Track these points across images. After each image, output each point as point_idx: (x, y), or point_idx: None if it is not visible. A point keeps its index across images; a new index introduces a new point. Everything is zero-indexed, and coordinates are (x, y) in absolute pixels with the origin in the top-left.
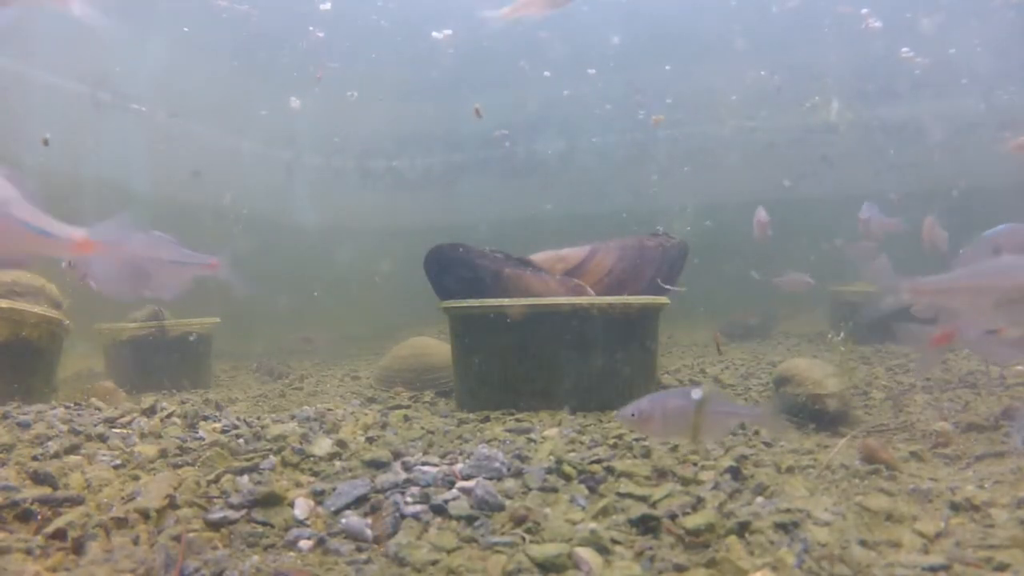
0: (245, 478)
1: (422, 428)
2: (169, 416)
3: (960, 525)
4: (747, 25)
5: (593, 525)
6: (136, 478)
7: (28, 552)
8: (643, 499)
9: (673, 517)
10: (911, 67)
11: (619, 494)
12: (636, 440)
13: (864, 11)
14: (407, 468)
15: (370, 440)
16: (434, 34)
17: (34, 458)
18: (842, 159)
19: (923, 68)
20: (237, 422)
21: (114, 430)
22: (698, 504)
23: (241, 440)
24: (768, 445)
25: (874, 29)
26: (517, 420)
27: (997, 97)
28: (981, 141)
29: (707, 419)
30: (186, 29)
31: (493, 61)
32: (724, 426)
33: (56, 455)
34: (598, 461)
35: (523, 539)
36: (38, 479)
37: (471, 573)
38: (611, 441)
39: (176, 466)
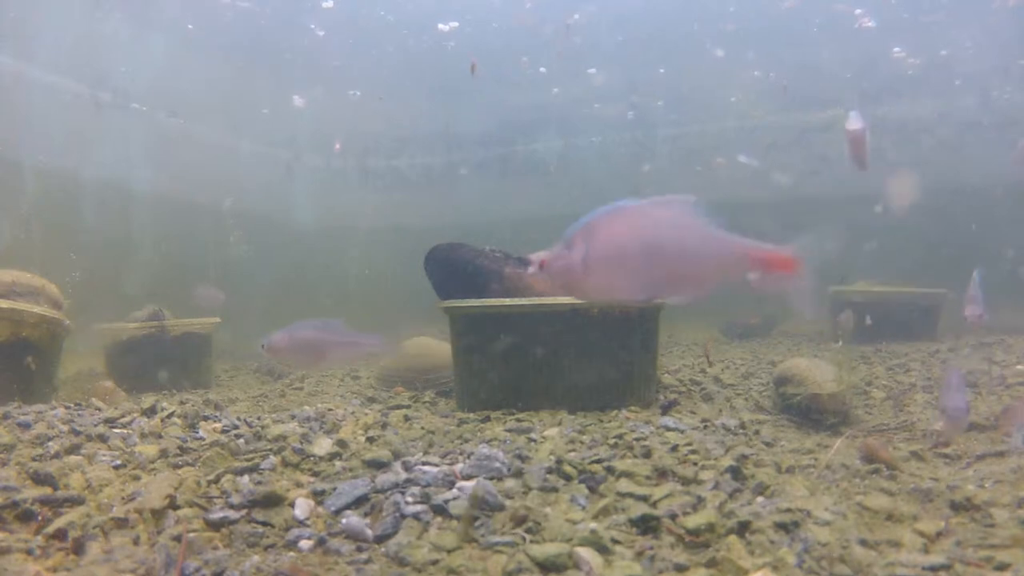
0: (245, 478)
1: (422, 428)
2: (169, 416)
3: (961, 525)
4: (746, 25)
5: (593, 525)
6: (136, 478)
7: (28, 552)
8: (643, 499)
9: (673, 517)
10: (905, 67)
11: (619, 494)
12: (636, 440)
13: (858, 11)
14: (407, 468)
15: (370, 440)
16: (440, 26)
17: (34, 458)
18: (841, 159)
19: (916, 68)
20: (237, 422)
21: (114, 430)
22: (698, 504)
23: (241, 440)
24: (768, 445)
25: (867, 28)
26: (517, 420)
27: (994, 97)
28: (978, 141)
29: (333, 348)
30: (190, 27)
31: (495, 57)
32: (349, 355)
33: (56, 455)
34: (598, 461)
35: (523, 539)
36: (38, 479)
37: (471, 573)
38: (611, 441)
39: (176, 466)
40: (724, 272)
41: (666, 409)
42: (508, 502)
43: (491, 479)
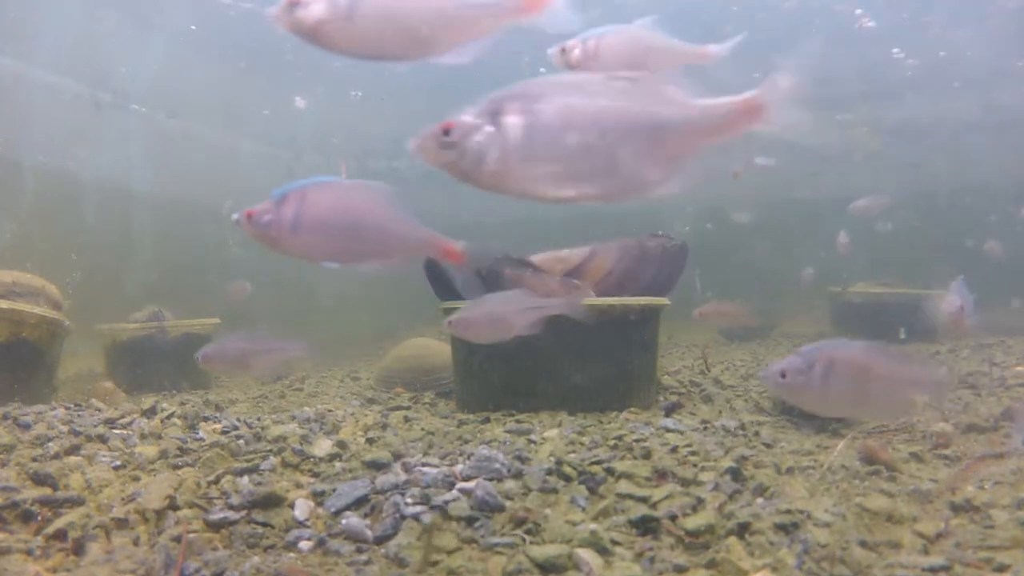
0: (245, 479)
1: (422, 429)
2: (169, 417)
3: (960, 526)
4: (746, 26)
5: (593, 526)
6: (136, 479)
7: (28, 553)
8: (643, 500)
9: (673, 518)
10: (904, 68)
11: (619, 495)
12: (636, 441)
13: (858, 11)
14: (407, 469)
15: (370, 441)
16: None
17: (34, 459)
18: (841, 160)
19: (915, 69)
20: (237, 423)
21: (114, 431)
22: (698, 505)
23: (241, 441)
24: (768, 446)
25: (867, 29)
26: (517, 421)
27: (994, 98)
28: (978, 142)
29: (258, 356)
30: (192, 27)
31: (496, 57)
32: (273, 361)
33: (56, 456)
34: (598, 462)
35: (523, 540)
36: (38, 480)
37: (471, 574)
38: (611, 442)
39: (176, 467)
40: (405, 250)
41: (669, 411)
42: (508, 503)
43: (491, 480)
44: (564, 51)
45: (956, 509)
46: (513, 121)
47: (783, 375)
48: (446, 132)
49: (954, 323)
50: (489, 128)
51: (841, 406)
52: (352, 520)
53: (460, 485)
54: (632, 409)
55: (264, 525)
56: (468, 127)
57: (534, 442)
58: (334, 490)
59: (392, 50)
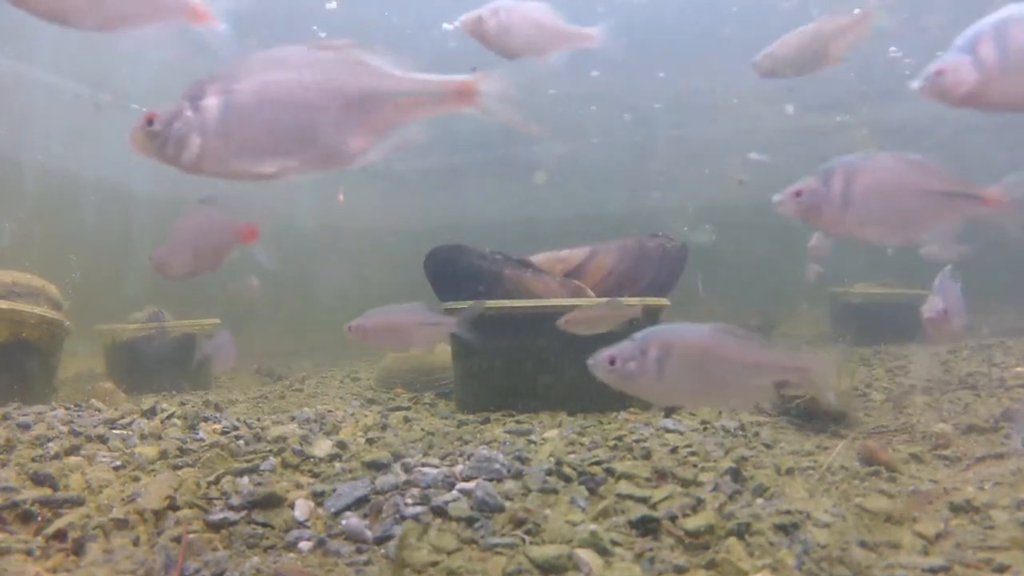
0: (245, 479)
1: (422, 429)
2: (169, 417)
3: (960, 526)
4: (747, 26)
5: (593, 526)
6: (136, 479)
7: (28, 553)
8: (643, 500)
9: (673, 518)
10: (901, 67)
11: (619, 495)
12: (636, 442)
13: (856, 11)
14: (407, 469)
15: (370, 441)
16: (445, 25)
17: (34, 459)
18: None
19: (913, 69)
20: (237, 423)
21: (114, 431)
22: (698, 505)
23: (241, 441)
24: (768, 447)
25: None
26: (517, 421)
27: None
28: (978, 142)
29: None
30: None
31: (495, 58)
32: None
33: (56, 456)
34: (598, 462)
35: (523, 540)
36: (38, 480)
37: (471, 574)
38: (611, 442)
39: (176, 467)
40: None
41: (669, 411)
42: (508, 504)
43: (491, 481)
44: (481, 19)
45: (956, 509)
46: (211, 103)
47: (612, 362)
48: (150, 122)
49: (937, 328)
50: (188, 113)
51: (681, 394)
52: (352, 520)
53: (460, 486)
54: (632, 409)
55: (264, 525)
56: (169, 115)
57: (534, 442)
58: (334, 490)
59: (73, 14)
